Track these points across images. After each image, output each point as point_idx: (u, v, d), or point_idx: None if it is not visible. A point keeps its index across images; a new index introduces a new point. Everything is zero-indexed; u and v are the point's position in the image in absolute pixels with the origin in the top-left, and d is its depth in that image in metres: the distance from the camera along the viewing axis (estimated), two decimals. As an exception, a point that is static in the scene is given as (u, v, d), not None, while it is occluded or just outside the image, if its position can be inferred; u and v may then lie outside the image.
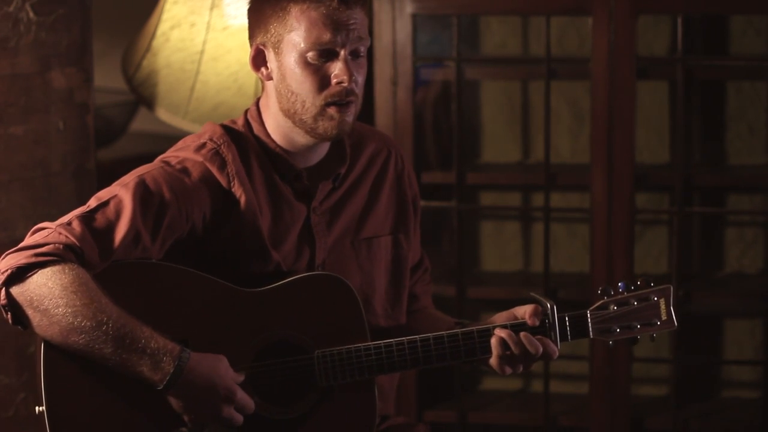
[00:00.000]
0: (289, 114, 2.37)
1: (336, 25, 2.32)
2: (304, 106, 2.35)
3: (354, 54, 2.35)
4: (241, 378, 2.32)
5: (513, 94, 3.92)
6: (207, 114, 3.50)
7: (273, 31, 2.35)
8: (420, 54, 3.66)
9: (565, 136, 3.90)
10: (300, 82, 2.34)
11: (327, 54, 2.33)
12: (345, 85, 2.33)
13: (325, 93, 2.34)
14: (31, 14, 3.11)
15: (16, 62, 3.10)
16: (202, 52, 3.48)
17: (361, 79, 2.37)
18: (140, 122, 4.27)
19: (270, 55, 2.37)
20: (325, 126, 2.36)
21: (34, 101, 3.15)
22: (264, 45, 2.38)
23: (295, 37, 2.33)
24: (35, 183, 3.17)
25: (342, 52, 2.33)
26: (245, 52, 3.38)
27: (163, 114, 3.57)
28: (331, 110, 2.35)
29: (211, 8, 3.46)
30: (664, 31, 3.80)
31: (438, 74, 3.79)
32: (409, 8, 3.58)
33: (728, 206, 3.86)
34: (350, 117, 2.36)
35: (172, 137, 2.58)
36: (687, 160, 3.72)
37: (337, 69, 2.33)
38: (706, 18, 3.78)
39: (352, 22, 2.33)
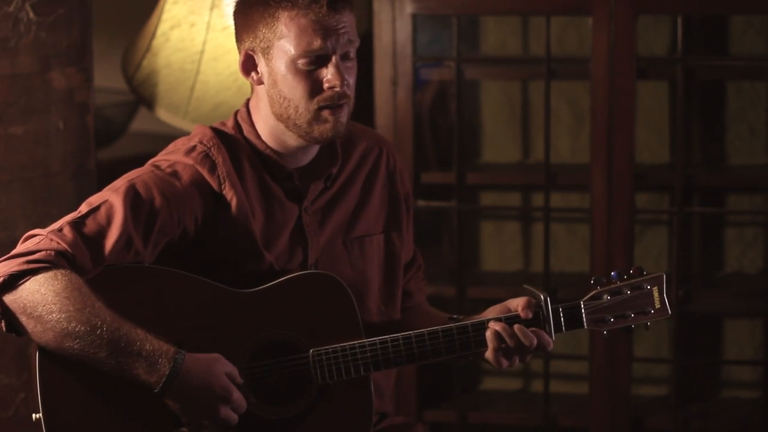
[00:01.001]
0: (282, 118, 2.37)
1: (326, 30, 2.31)
2: (297, 111, 2.35)
3: (344, 57, 2.35)
4: (238, 376, 2.33)
5: (513, 94, 3.92)
6: (207, 114, 3.50)
7: (262, 36, 2.34)
8: (420, 54, 3.66)
9: (565, 136, 3.90)
10: (292, 88, 2.34)
11: (318, 60, 2.33)
12: (337, 89, 2.33)
13: (318, 98, 2.34)
14: (31, 14, 3.11)
15: (16, 62, 3.10)
16: (202, 52, 3.48)
17: (352, 80, 2.37)
18: (140, 122, 4.27)
19: (260, 60, 2.37)
20: (320, 129, 2.36)
21: (34, 101, 3.15)
22: (253, 50, 2.37)
23: (285, 43, 2.32)
24: (35, 183, 3.17)
25: (333, 57, 2.33)
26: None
27: (163, 114, 3.57)
28: (325, 113, 2.35)
29: (211, 8, 3.46)
30: (664, 31, 3.80)
31: (438, 74, 3.79)
32: (409, 8, 3.58)
33: (728, 206, 3.86)
34: (344, 118, 2.36)
35: (172, 137, 2.57)
36: (687, 160, 3.72)
37: (329, 74, 2.33)
38: (706, 18, 3.78)
39: (341, 26, 2.32)
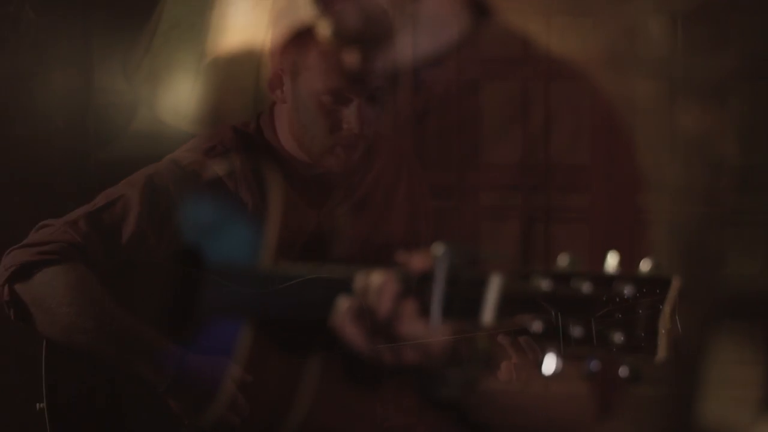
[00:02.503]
0: (298, 141, 2.38)
1: (354, 74, 2.31)
2: (313, 141, 2.36)
3: (371, 98, 2.35)
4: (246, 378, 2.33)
5: (513, 94, 3.91)
6: (207, 114, 3.49)
7: (293, 60, 2.34)
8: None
9: (565, 136, 3.89)
10: (312, 120, 2.35)
11: (342, 99, 2.33)
12: (355, 132, 2.33)
13: (335, 135, 2.35)
14: (31, 14, 3.11)
15: (16, 62, 3.10)
16: (202, 52, 3.48)
17: (375, 116, 2.36)
18: (140, 122, 4.27)
19: (287, 82, 2.37)
20: (329, 163, 2.37)
21: (34, 101, 3.14)
22: (282, 70, 2.37)
23: (312, 76, 2.32)
24: (35, 183, 3.17)
25: (357, 100, 2.32)
26: (245, 52, 3.37)
27: (163, 114, 3.57)
28: (338, 150, 2.35)
29: (211, 8, 3.46)
30: (664, 31, 3.80)
31: (438, 74, 3.79)
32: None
33: (728, 206, 3.85)
34: (356, 155, 2.37)
35: (172, 137, 2.58)
36: (687, 160, 3.71)
37: (350, 117, 2.33)
38: (706, 18, 3.77)
39: (371, 72, 2.32)
